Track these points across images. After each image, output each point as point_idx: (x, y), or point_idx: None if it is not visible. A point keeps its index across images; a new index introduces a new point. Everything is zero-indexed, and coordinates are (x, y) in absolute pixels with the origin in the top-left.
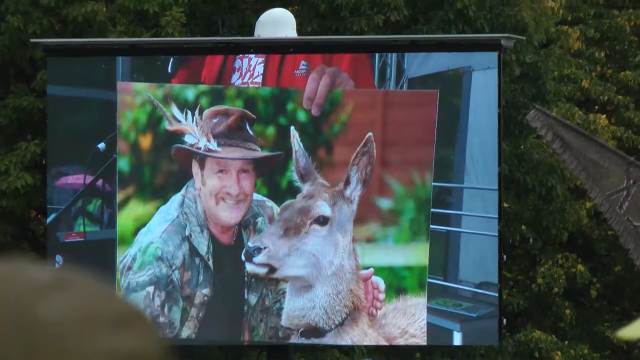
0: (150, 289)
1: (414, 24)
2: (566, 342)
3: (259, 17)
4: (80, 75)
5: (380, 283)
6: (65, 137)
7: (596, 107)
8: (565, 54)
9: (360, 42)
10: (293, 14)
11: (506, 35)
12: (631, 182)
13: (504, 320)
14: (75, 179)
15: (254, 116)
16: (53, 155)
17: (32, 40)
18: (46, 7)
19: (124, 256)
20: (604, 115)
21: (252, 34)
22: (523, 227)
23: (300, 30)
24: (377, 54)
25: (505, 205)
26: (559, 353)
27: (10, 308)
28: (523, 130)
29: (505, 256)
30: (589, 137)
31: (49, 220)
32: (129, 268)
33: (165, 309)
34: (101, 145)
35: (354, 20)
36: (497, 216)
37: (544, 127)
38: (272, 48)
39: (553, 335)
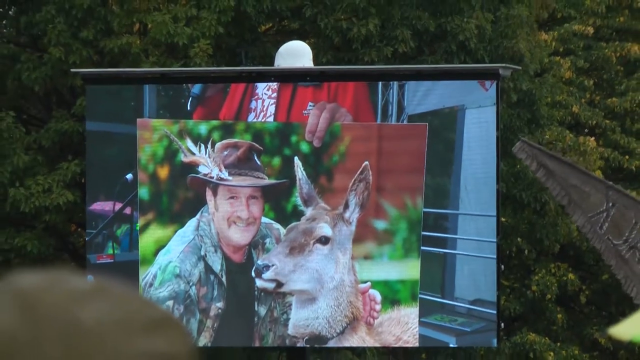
0: (170, 303)
1: (419, 55)
2: (558, 344)
3: (278, 48)
4: (112, 112)
5: (377, 295)
6: (99, 168)
7: (585, 130)
8: (558, 82)
9: (371, 71)
10: (310, 46)
11: (504, 65)
12: (610, 204)
13: (502, 324)
14: (106, 206)
15: (261, 148)
16: (91, 184)
17: (72, 70)
18: (85, 40)
19: (145, 274)
20: (593, 138)
21: (273, 64)
22: (519, 239)
23: (316, 61)
24: (379, 93)
25: (503, 219)
26: (552, 354)
27: (54, 314)
28: None
29: (503, 266)
30: (571, 165)
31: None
32: (151, 284)
33: (184, 321)
34: (129, 176)
35: (365, 51)
36: (489, 239)
37: (529, 158)
38: (290, 77)
39: (546, 338)
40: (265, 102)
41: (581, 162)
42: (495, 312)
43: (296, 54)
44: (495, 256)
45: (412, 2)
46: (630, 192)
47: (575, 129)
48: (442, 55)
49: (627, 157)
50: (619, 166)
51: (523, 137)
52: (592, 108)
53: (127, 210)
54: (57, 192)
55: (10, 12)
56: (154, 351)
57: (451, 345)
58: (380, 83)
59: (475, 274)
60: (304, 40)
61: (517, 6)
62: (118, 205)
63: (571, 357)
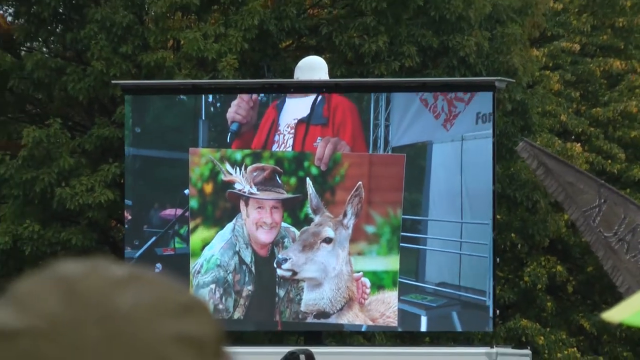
0: (213, 286)
1: (424, 69)
2: (547, 329)
3: (297, 63)
4: (169, 142)
5: (367, 282)
6: (154, 184)
7: (572, 137)
8: (547, 94)
9: (380, 83)
10: (325, 60)
11: (499, 78)
12: (602, 200)
13: (497, 311)
14: (170, 212)
15: (281, 170)
16: (132, 196)
17: (112, 81)
18: (124, 54)
19: (195, 264)
20: (579, 144)
21: (292, 77)
22: (512, 234)
23: (331, 74)
24: (371, 131)
25: (498, 216)
26: (542, 337)
27: (93, 298)
28: (513, 155)
29: (498, 259)
30: (567, 164)
31: (151, 240)
32: (198, 272)
33: (223, 300)
34: (187, 191)
35: (375, 65)
36: (451, 238)
37: (530, 157)
38: (308, 88)
39: (537, 323)
40: (285, 136)
41: None
42: (488, 299)
43: (313, 67)
44: (488, 256)
45: (417, 21)
46: None
47: (563, 136)
48: (444, 69)
49: (609, 161)
50: (602, 169)
51: (520, 140)
52: (579, 117)
53: (187, 215)
54: (99, 191)
55: (57, 30)
56: (185, 333)
57: (422, 320)
58: (372, 123)
59: (440, 264)
60: (320, 55)
61: (512, 25)
62: (179, 212)
63: (559, 341)
